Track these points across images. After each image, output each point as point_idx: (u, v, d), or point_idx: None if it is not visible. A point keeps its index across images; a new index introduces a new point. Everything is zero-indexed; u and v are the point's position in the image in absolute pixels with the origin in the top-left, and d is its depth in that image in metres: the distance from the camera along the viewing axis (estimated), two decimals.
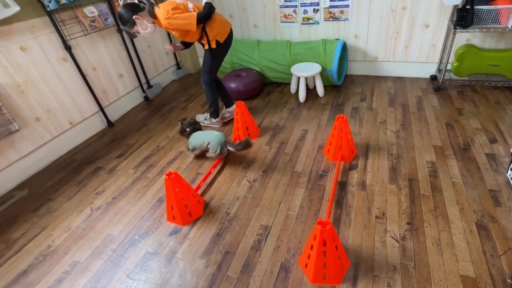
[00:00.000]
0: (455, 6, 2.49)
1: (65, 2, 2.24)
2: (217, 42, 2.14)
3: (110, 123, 2.81)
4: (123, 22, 1.98)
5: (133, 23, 1.97)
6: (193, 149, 2.13)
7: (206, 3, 2.03)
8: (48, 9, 2.18)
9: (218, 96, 2.50)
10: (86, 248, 1.61)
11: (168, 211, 1.69)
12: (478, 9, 2.27)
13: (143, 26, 1.99)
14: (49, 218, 1.84)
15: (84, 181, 2.12)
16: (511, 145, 1.95)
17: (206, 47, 2.18)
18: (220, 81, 2.49)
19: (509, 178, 1.68)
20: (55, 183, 2.14)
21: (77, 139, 2.59)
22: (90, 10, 2.50)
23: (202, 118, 2.62)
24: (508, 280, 1.23)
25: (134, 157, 2.32)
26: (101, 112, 2.76)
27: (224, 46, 2.20)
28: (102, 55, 2.72)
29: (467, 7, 2.25)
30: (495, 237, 1.40)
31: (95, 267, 1.50)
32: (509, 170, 1.71)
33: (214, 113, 2.53)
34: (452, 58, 2.70)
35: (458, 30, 2.36)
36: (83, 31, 2.50)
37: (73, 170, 2.26)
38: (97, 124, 2.76)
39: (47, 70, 2.29)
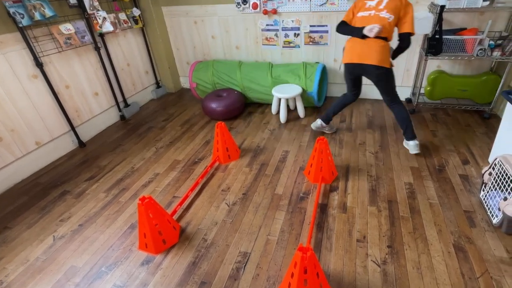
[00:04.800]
0: (426, 35, 2.66)
1: (39, 18, 2.17)
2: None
3: (81, 143, 2.67)
4: None
5: None
6: None
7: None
8: (21, 25, 2.10)
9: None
10: (45, 282, 1.44)
11: (140, 239, 1.57)
12: (446, 38, 2.43)
13: None
14: (4, 249, 1.65)
15: (48, 207, 1.95)
16: (482, 167, 2.02)
17: None
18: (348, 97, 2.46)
19: (482, 199, 1.73)
20: (14, 210, 1.96)
21: (44, 160, 2.42)
22: (67, 28, 2.43)
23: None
24: None
25: (106, 179, 2.19)
26: (72, 132, 2.62)
27: (345, 67, 2.22)
28: (76, 72, 2.63)
29: (436, 36, 2.40)
30: (472, 259, 1.41)
31: None
32: (481, 191, 1.76)
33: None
34: (425, 83, 2.84)
35: (429, 57, 2.50)
36: (57, 48, 2.41)
37: (36, 195, 2.08)
38: (67, 145, 2.61)
39: (15, 87, 2.16)
